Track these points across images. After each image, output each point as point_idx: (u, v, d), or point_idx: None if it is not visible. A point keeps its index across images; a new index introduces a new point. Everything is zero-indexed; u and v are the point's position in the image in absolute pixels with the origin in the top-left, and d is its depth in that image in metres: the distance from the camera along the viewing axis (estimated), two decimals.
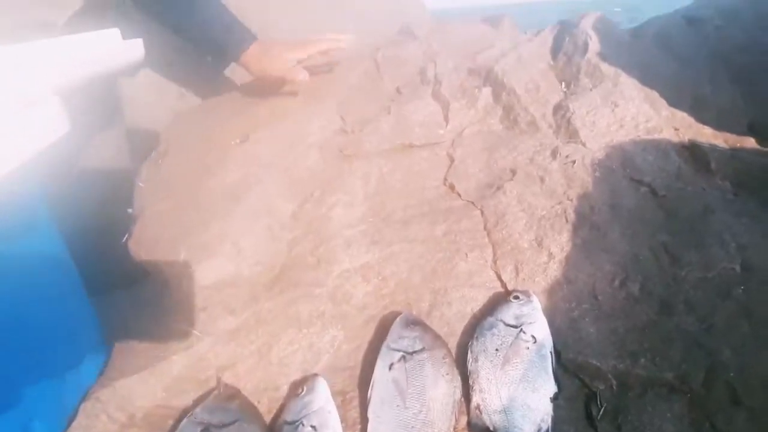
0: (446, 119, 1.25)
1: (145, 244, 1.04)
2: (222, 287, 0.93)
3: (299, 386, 0.77)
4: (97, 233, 1.15)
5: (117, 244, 1.16)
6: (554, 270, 0.84)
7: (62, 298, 0.74)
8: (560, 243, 0.86)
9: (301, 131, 1.27)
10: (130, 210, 1.13)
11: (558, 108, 1.15)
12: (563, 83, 1.23)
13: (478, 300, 0.85)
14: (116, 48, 0.87)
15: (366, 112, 1.33)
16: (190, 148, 1.31)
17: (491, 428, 0.69)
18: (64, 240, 0.76)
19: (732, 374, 0.70)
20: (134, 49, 0.94)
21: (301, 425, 0.70)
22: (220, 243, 0.99)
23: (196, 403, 0.78)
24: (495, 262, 0.88)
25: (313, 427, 0.70)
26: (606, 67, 1.17)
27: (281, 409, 0.77)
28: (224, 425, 0.70)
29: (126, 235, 1.24)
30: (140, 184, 1.34)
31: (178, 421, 0.76)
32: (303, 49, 1.25)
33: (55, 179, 0.82)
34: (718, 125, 1.11)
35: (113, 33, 0.86)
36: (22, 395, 0.64)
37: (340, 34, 1.27)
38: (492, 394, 0.71)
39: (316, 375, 0.79)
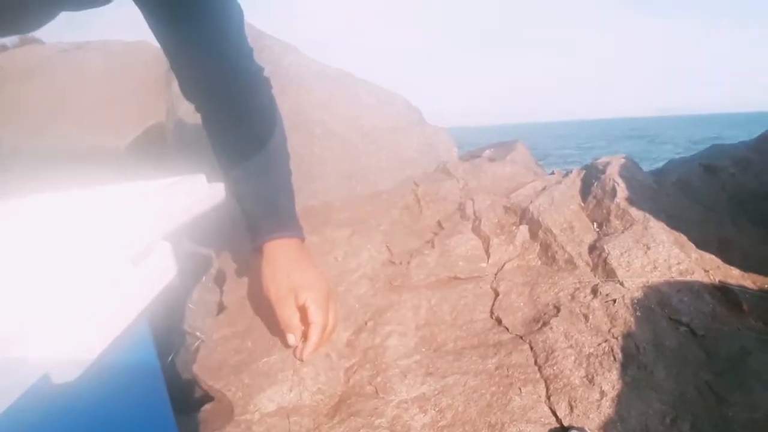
0: (487, 254, 1.35)
1: (211, 368, 1.10)
2: (285, 415, 0.98)
3: None
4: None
5: (178, 367, 1.22)
6: (607, 407, 0.88)
7: (159, 424, 0.80)
8: (611, 381, 0.92)
9: (352, 262, 1.37)
10: (198, 333, 1.20)
11: (593, 248, 1.25)
12: (595, 224, 1.34)
13: None
14: (203, 192, 0.99)
15: (411, 244, 1.44)
16: (246, 275, 1.40)
17: None
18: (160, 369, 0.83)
19: None
20: (218, 192, 1.07)
21: None
22: (282, 370, 1.06)
23: None
24: (548, 398, 0.93)
25: None
26: (635, 212, 1.28)
27: None
28: None
29: (172, 354, 1.30)
30: (191, 306, 1.43)
31: None
32: (320, 305, 1.07)
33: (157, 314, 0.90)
34: (745, 267, 1.19)
35: (200, 178, 0.98)
36: None
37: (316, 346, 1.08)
38: None
39: None
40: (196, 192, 0.96)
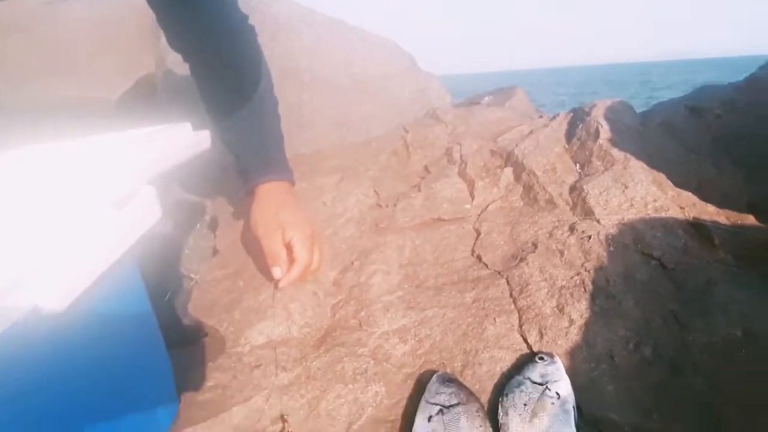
0: (472, 196, 1.38)
1: (204, 307, 1.16)
2: (274, 346, 1.04)
3: None
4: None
5: (174, 306, 1.28)
6: (575, 334, 0.94)
7: (151, 355, 0.85)
8: (580, 310, 0.97)
9: (339, 206, 1.41)
10: (193, 275, 1.26)
11: (573, 188, 1.28)
12: (578, 165, 1.36)
13: (506, 360, 0.94)
14: (188, 139, 1.02)
15: (398, 189, 1.48)
16: (238, 220, 1.45)
17: None
18: (151, 305, 0.88)
19: (737, 429, 0.78)
20: (203, 140, 1.09)
21: None
22: (271, 307, 1.11)
23: None
24: (521, 326, 0.98)
25: None
26: (616, 152, 1.30)
27: None
28: None
29: (168, 294, 1.36)
30: (187, 251, 1.48)
31: None
32: (304, 243, 1.12)
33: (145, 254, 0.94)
34: (721, 204, 1.22)
35: (185, 126, 1.00)
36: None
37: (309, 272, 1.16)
38: None
39: None
40: (181, 139, 0.99)
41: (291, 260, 1.12)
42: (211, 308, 1.16)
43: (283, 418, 0.91)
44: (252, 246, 1.25)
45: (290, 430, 0.90)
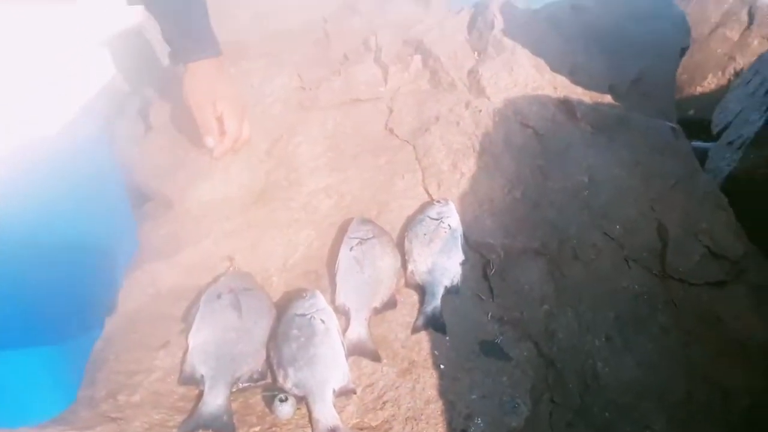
0: (386, 80, 1.56)
1: (150, 171, 1.29)
2: (217, 202, 1.22)
3: (302, 293, 0.98)
4: None
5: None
6: (464, 184, 1.18)
7: (116, 207, 1.00)
8: (469, 166, 1.21)
9: (267, 87, 1.55)
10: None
11: (471, 71, 1.49)
12: (476, 52, 1.57)
13: (411, 207, 1.18)
14: (121, 11, 1.11)
15: (319, 73, 1.62)
16: (171, 98, 1.53)
17: (421, 284, 1.03)
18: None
19: (575, 242, 1.08)
20: (136, 14, 1.18)
21: (312, 318, 0.94)
22: (211, 171, 1.27)
23: (208, 281, 1.06)
24: (423, 181, 1.22)
25: (322, 320, 0.94)
26: (507, 41, 1.52)
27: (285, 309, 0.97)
28: (245, 289, 0.99)
29: None
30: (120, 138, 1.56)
31: (196, 293, 1.04)
32: (234, 116, 1.23)
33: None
34: (587, 86, 1.49)
35: None
36: (101, 264, 0.92)
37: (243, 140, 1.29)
38: (421, 262, 1.05)
39: (314, 290, 1.00)
40: (114, 11, 1.09)
41: (222, 132, 1.23)
42: (156, 171, 1.28)
43: (229, 257, 1.11)
44: (185, 121, 1.35)
45: (237, 266, 1.10)
